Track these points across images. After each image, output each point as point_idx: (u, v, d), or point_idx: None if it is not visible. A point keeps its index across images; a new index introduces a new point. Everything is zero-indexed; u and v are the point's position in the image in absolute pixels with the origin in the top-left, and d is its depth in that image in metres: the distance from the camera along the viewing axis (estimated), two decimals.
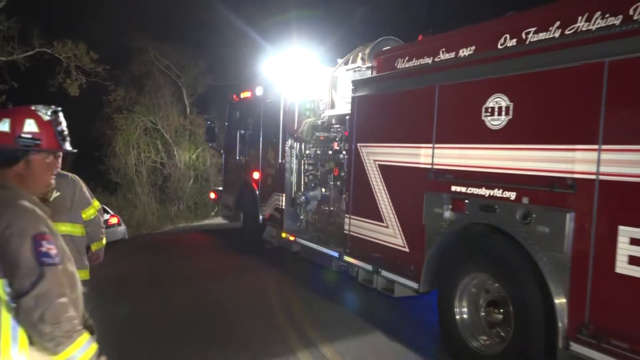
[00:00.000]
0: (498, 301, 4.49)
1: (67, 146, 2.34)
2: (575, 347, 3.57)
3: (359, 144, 6.45)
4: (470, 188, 4.67)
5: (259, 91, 9.53)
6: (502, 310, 4.44)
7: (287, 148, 8.54)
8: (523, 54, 4.25)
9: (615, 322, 3.40)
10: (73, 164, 20.20)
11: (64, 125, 2.35)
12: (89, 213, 4.58)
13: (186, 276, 8.55)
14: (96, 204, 4.69)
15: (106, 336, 2.59)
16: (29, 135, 2.19)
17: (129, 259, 11.19)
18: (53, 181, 2.32)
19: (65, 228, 4.37)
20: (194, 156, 24.66)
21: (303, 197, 8.00)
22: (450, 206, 4.84)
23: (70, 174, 4.63)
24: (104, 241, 4.81)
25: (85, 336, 2.07)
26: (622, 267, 3.31)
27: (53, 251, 2.03)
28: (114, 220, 16.38)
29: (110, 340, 3.01)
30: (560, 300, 3.72)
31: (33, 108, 2.27)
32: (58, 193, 4.35)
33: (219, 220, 16.83)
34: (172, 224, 21.10)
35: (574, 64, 3.71)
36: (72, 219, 4.47)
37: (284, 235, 8.45)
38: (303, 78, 8.21)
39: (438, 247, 5.04)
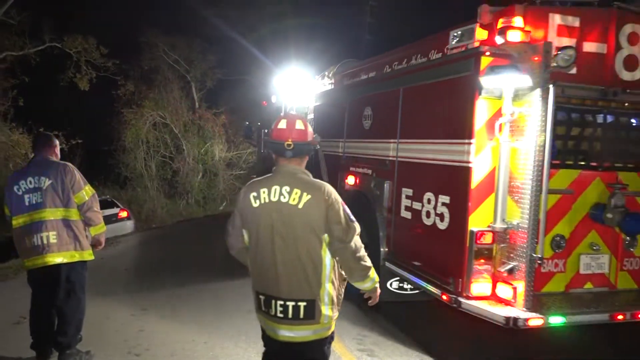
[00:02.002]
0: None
1: None
2: (387, 264, 6.68)
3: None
4: (357, 168, 7.83)
5: (273, 99, 13.32)
6: None
7: None
8: (374, 81, 7.41)
9: (399, 247, 6.52)
10: (83, 158, 23.76)
11: None
12: (80, 197, 5.26)
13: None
14: (88, 189, 5.35)
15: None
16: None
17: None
18: None
19: (59, 213, 5.19)
20: (202, 151, 28.09)
21: None
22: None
23: (62, 162, 5.41)
24: (103, 227, 5.53)
25: (373, 268, 3.48)
26: (403, 212, 6.39)
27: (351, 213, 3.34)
28: (124, 214, 19.45)
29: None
30: (383, 238, 6.83)
31: None
32: (50, 181, 5.17)
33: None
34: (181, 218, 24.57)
35: (390, 89, 6.82)
36: (65, 204, 5.22)
37: None
38: (298, 89, 11.54)
39: None
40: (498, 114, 5.02)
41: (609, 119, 5.57)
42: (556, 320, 4.77)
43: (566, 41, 5.18)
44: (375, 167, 7.21)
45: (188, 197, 27.80)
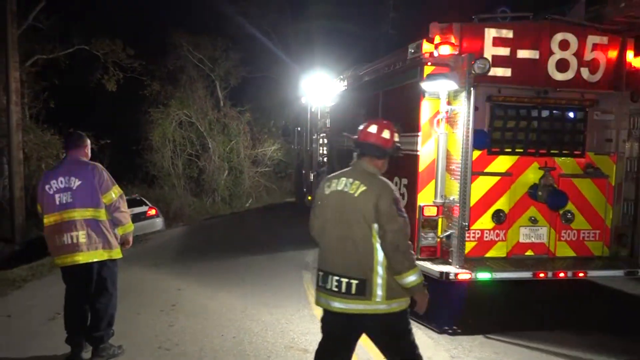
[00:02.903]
0: None
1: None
2: None
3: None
4: None
5: (303, 100, 15.42)
6: None
7: (313, 139, 14.15)
8: (366, 85, 9.04)
9: None
10: (111, 157, 25.69)
11: None
12: (109, 197, 5.59)
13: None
14: (116, 190, 5.67)
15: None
16: (399, 143, 4.15)
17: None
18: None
19: (89, 213, 5.52)
20: (227, 149, 29.83)
21: (315, 172, 13.73)
22: None
23: (91, 162, 5.73)
24: (131, 226, 5.90)
25: (417, 269, 3.86)
26: None
27: (402, 207, 3.86)
28: (152, 212, 20.90)
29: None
30: None
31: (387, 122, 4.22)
32: (80, 181, 5.50)
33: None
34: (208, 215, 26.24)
35: (375, 92, 8.43)
36: (95, 204, 5.53)
37: (309, 197, 14.27)
38: (320, 91, 13.32)
39: None
40: (439, 111, 6.59)
41: (544, 113, 7.09)
42: (483, 275, 6.33)
43: (501, 50, 6.75)
44: None
45: (214, 195, 29.53)
